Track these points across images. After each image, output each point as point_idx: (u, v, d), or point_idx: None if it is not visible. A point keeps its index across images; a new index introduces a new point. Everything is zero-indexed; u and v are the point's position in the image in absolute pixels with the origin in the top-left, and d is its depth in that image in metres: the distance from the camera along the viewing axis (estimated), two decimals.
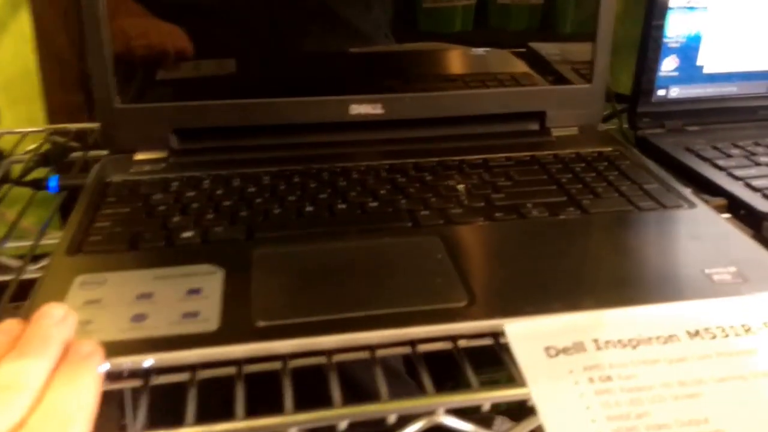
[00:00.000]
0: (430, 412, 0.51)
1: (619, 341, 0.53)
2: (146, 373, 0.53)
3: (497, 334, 0.55)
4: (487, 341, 0.56)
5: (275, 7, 0.89)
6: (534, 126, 0.94)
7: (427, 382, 0.52)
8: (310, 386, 0.53)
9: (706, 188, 0.83)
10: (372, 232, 0.69)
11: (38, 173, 0.93)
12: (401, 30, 0.94)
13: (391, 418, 0.51)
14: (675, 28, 0.98)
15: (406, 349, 0.56)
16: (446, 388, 0.52)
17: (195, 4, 0.87)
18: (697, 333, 0.54)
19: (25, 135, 1.06)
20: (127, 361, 0.51)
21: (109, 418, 0.46)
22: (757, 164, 0.88)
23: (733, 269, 0.62)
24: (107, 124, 0.85)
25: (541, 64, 0.96)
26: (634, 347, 0.53)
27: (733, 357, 0.52)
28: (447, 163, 0.85)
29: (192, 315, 0.54)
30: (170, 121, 0.85)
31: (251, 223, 0.70)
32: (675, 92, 1.02)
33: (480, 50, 0.96)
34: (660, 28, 0.97)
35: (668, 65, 1.00)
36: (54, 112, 1.12)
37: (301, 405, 0.50)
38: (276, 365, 0.54)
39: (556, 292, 0.59)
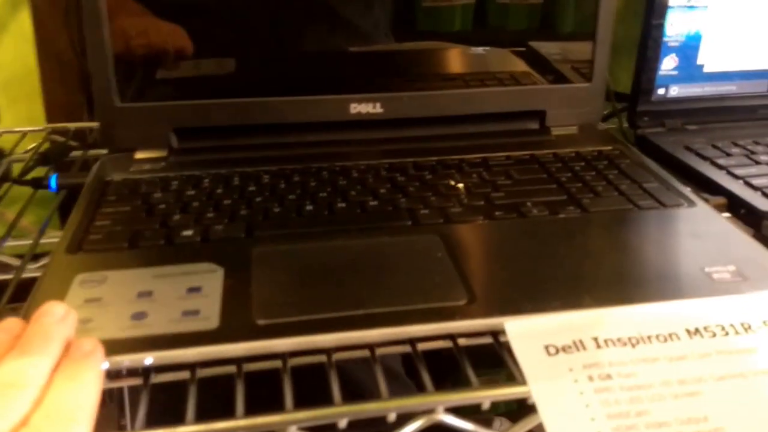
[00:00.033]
0: (430, 411, 0.51)
1: (619, 340, 0.53)
2: (146, 372, 0.53)
3: (497, 333, 0.55)
4: (486, 340, 0.56)
5: (275, 7, 0.89)
6: (534, 125, 0.94)
7: (426, 380, 0.52)
8: (310, 387, 0.53)
9: (706, 187, 0.83)
10: (372, 231, 0.69)
11: (38, 172, 0.93)
12: (401, 29, 0.94)
13: (391, 417, 0.50)
14: (675, 27, 0.98)
15: (406, 348, 0.56)
16: (445, 387, 0.52)
17: (195, 3, 0.87)
18: (696, 331, 0.54)
19: (24, 134, 1.06)
20: (127, 360, 0.51)
21: (108, 418, 0.46)
22: (757, 163, 0.88)
23: (732, 268, 0.62)
24: (107, 123, 0.85)
25: (540, 63, 0.96)
26: (634, 346, 0.53)
27: (732, 355, 0.52)
28: (447, 162, 0.85)
29: (192, 313, 0.55)
30: (170, 120, 0.85)
31: (251, 222, 0.70)
32: (675, 91, 1.02)
33: (479, 49, 0.96)
34: (660, 27, 0.98)
35: (668, 64, 1.00)
36: (53, 111, 1.12)
37: (301, 405, 0.50)
38: (276, 363, 0.54)
39: (555, 290, 0.59)
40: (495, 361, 0.55)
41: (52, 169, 0.93)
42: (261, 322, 0.54)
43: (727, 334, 0.54)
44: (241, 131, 0.87)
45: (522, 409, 0.53)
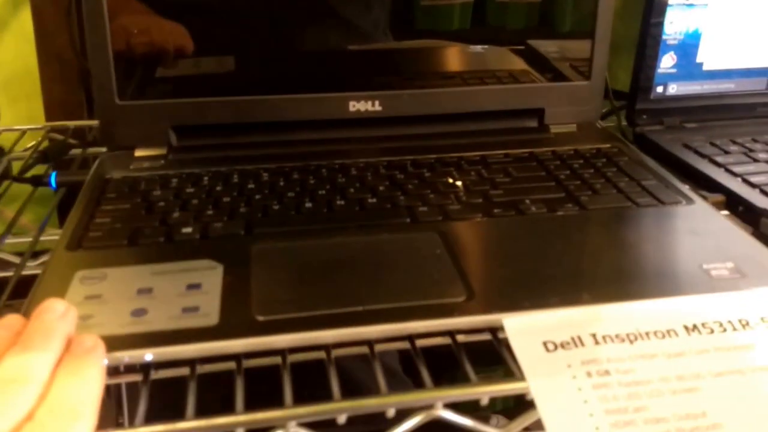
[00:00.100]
0: (429, 406, 0.51)
1: (617, 336, 0.53)
2: (146, 368, 0.53)
3: (495, 329, 0.56)
4: (485, 336, 0.57)
5: (275, 5, 0.89)
6: (532, 123, 0.95)
7: (425, 376, 0.53)
8: (309, 386, 0.53)
9: (705, 185, 0.83)
10: (371, 228, 0.69)
11: (37, 170, 0.93)
12: (399, 28, 0.94)
13: (390, 412, 0.51)
14: (674, 25, 0.98)
15: (405, 344, 0.56)
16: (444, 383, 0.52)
17: (195, 2, 0.87)
18: (694, 328, 0.54)
19: (24, 132, 1.06)
20: (127, 356, 0.51)
21: (106, 416, 0.46)
22: (756, 161, 0.88)
23: (730, 265, 0.62)
24: (107, 121, 0.85)
25: (539, 62, 0.96)
26: (632, 342, 0.53)
27: (730, 351, 0.52)
28: (445, 159, 0.85)
29: (192, 310, 0.55)
30: (169, 118, 0.86)
31: (250, 219, 0.70)
32: (673, 89, 1.02)
33: (478, 47, 0.96)
34: (659, 25, 0.98)
35: (667, 62, 1.00)
36: (53, 110, 1.13)
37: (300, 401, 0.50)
38: (275, 360, 0.54)
39: (554, 287, 0.59)
40: (492, 359, 0.55)
41: (52, 167, 0.93)
42: (260, 318, 0.54)
43: (725, 330, 0.54)
44: (240, 129, 0.87)
45: (519, 406, 0.53)
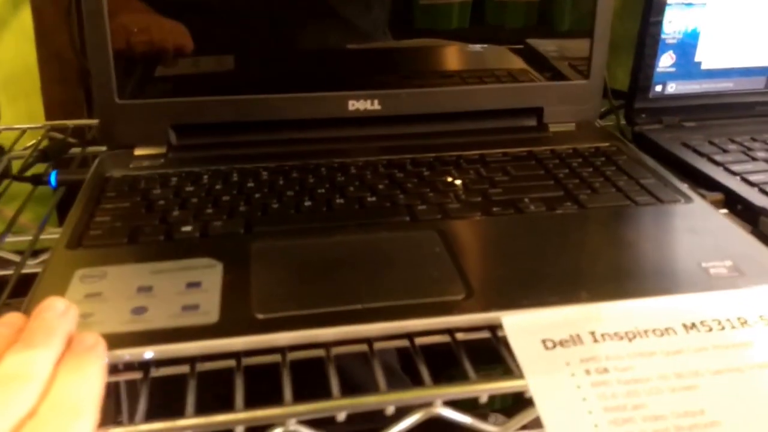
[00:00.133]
0: (428, 404, 0.51)
1: (616, 334, 0.53)
2: (146, 366, 0.53)
3: (494, 327, 0.56)
4: (484, 334, 0.57)
5: (274, 5, 0.90)
6: (531, 122, 0.95)
7: (424, 373, 0.53)
8: (309, 386, 0.54)
9: (703, 183, 0.83)
10: (370, 227, 0.69)
11: (37, 169, 0.93)
12: (398, 27, 0.95)
13: (389, 410, 0.51)
14: (673, 24, 0.98)
15: (404, 342, 0.56)
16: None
17: (195, 1, 0.87)
18: (693, 326, 0.54)
19: (24, 131, 1.06)
20: (127, 353, 0.51)
21: (105, 415, 0.46)
22: (754, 159, 0.88)
23: (729, 263, 0.62)
24: (106, 120, 0.85)
25: (538, 61, 0.97)
26: (631, 340, 0.53)
27: (729, 349, 0.53)
28: (444, 158, 0.85)
29: (192, 308, 0.55)
30: (169, 116, 0.86)
31: (250, 218, 0.70)
32: (672, 88, 1.02)
33: (477, 47, 0.96)
34: (658, 24, 0.98)
35: (665, 61, 1.00)
36: (52, 109, 1.13)
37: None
38: (275, 357, 0.54)
39: (553, 285, 0.59)
40: (491, 358, 0.55)
41: (52, 166, 0.93)
42: (260, 316, 0.54)
43: (723, 328, 0.54)
44: (239, 128, 0.88)
45: (517, 404, 0.53)
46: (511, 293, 0.58)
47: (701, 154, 0.90)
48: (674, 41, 0.99)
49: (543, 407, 0.48)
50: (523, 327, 0.54)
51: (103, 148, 0.87)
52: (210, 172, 0.81)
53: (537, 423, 0.49)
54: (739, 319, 0.55)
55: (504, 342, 0.53)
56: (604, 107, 1.03)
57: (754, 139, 0.94)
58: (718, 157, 0.88)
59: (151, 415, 0.49)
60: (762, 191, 0.79)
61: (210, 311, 0.54)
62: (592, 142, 0.90)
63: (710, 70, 1.03)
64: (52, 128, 1.07)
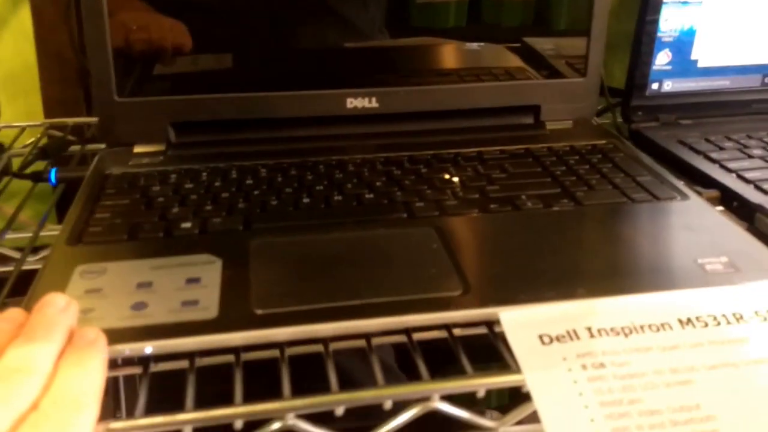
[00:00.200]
0: (425, 399, 0.51)
1: (612, 329, 0.53)
2: (146, 360, 0.54)
3: (491, 323, 0.56)
4: (481, 330, 0.57)
5: (273, 4, 0.90)
6: (528, 119, 0.95)
7: (422, 368, 0.53)
8: (307, 382, 0.54)
9: (700, 180, 0.84)
10: (368, 223, 0.70)
11: (37, 166, 0.93)
12: (395, 26, 0.95)
13: (387, 404, 0.51)
14: (669, 22, 0.99)
15: (402, 338, 0.56)
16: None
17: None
18: (689, 321, 0.54)
19: (23, 129, 1.07)
20: (128, 348, 0.51)
21: (103, 410, 0.46)
22: (750, 157, 0.88)
23: (725, 259, 0.62)
24: (106, 118, 0.85)
25: (535, 59, 0.97)
26: (627, 335, 0.53)
27: (724, 345, 0.53)
28: (442, 155, 0.85)
29: (191, 303, 0.55)
30: (168, 114, 0.86)
31: (249, 214, 0.71)
32: (668, 86, 1.02)
33: (474, 45, 0.96)
34: (654, 22, 0.98)
35: (662, 59, 1.00)
36: (51, 107, 1.13)
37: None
38: (274, 353, 0.54)
39: (549, 281, 0.59)
40: (488, 356, 0.56)
41: (51, 163, 0.93)
42: (259, 311, 0.55)
43: (719, 324, 0.54)
44: (238, 126, 0.88)
45: (513, 401, 0.53)
46: (508, 289, 0.58)
47: (697, 152, 0.90)
48: (671, 39, 0.99)
49: (540, 402, 0.49)
50: (520, 322, 0.54)
51: (103, 146, 0.87)
52: (209, 170, 0.81)
53: (533, 418, 0.49)
54: (734, 314, 0.55)
55: (501, 337, 0.54)
56: (600, 105, 1.03)
57: (750, 137, 0.95)
58: (714, 155, 0.89)
59: (150, 412, 0.49)
60: (758, 188, 0.79)
61: (209, 307, 0.55)
62: (588, 139, 0.90)
63: (706, 68, 1.03)
64: (51, 126, 1.08)
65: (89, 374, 0.46)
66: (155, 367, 0.54)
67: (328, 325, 0.54)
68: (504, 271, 0.62)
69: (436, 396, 0.51)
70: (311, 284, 0.59)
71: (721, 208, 0.78)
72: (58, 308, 0.49)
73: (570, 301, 0.56)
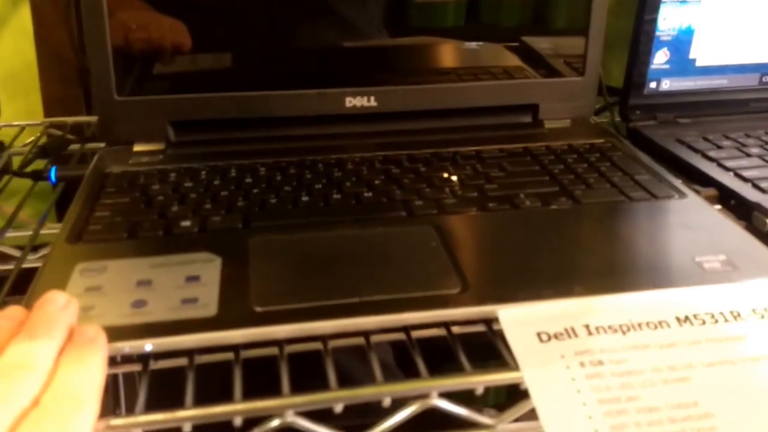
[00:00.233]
0: (424, 396, 0.51)
1: (610, 327, 0.54)
2: (146, 358, 0.54)
3: (490, 321, 0.56)
4: (479, 327, 0.57)
5: (272, 3, 0.90)
6: (527, 118, 0.95)
7: (421, 366, 0.53)
8: (306, 380, 0.54)
9: (697, 179, 0.84)
10: (367, 222, 0.70)
11: (36, 165, 0.93)
12: (394, 25, 0.95)
13: (386, 401, 0.51)
14: (667, 21, 0.99)
15: (401, 335, 0.56)
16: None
17: None
18: (686, 319, 0.55)
19: (23, 128, 1.07)
20: (127, 346, 0.51)
21: (103, 408, 0.46)
22: (748, 155, 0.88)
23: (723, 257, 0.62)
24: (105, 117, 0.86)
25: (533, 58, 0.97)
26: (625, 333, 0.53)
27: (722, 342, 0.53)
28: (440, 154, 0.85)
29: (191, 301, 0.55)
30: (168, 113, 0.86)
31: (248, 213, 0.71)
32: (666, 85, 1.02)
33: (473, 44, 0.97)
34: (652, 21, 0.98)
35: (660, 58, 1.01)
36: (51, 106, 1.13)
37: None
38: (273, 350, 0.55)
39: (548, 279, 0.59)
40: (486, 354, 0.56)
41: (51, 162, 0.93)
42: (258, 309, 0.55)
43: (716, 321, 0.55)
44: (237, 124, 0.88)
45: (511, 400, 0.53)
46: (506, 287, 0.58)
47: (695, 150, 0.90)
48: (669, 38, 1.00)
49: (538, 399, 0.49)
50: (518, 320, 0.54)
51: (102, 145, 0.87)
52: (208, 168, 0.81)
53: (532, 415, 0.49)
54: (732, 312, 0.55)
55: (499, 335, 0.54)
56: (599, 104, 1.03)
57: (747, 135, 0.95)
58: (712, 153, 0.89)
59: (149, 409, 0.49)
60: (755, 186, 0.80)
61: (209, 304, 0.55)
62: (587, 138, 0.91)
63: (704, 67, 1.03)
64: (51, 125, 1.08)
65: (89, 371, 0.46)
66: (155, 365, 0.54)
67: (327, 323, 0.54)
68: (502, 269, 0.62)
69: (434, 393, 0.51)
70: (310, 282, 0.59)
71: (719, 206, 0.78)
72: (58, 306, 0.49)
73: (568, 299, 0.56)
